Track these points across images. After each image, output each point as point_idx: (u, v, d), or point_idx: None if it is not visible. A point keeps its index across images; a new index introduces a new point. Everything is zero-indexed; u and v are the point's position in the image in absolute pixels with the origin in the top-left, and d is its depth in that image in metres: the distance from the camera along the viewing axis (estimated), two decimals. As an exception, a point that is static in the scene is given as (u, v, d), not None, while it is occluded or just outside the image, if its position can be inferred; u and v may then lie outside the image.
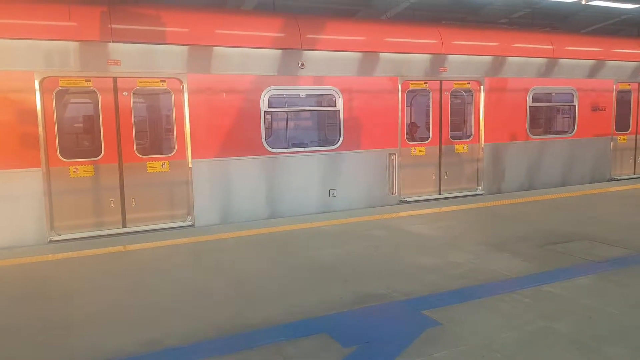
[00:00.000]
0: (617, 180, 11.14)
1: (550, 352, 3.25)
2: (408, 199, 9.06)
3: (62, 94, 7.20)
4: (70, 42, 6.71)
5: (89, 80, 6.88)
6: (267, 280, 4.72)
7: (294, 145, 9.45)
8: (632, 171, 11.78)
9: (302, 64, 8.08)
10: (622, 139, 11.48)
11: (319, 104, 9.54)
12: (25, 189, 6.59)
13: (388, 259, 5.32)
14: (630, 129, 11.58)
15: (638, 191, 9.35)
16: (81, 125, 8.51)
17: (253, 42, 7.76)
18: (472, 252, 5.49)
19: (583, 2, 11.89)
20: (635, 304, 4.03)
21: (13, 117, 6.50)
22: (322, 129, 10.11)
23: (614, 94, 11.07)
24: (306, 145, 9.38)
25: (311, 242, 6.01)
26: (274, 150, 8.00)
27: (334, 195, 8.50)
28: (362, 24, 9.31)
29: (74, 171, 6.89)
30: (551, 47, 10.44)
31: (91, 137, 7.97)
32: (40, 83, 6.58)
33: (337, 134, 8.54)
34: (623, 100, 11.40)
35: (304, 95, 8.65)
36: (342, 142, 8.47)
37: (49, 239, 6.71)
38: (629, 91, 11.44)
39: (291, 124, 10.56)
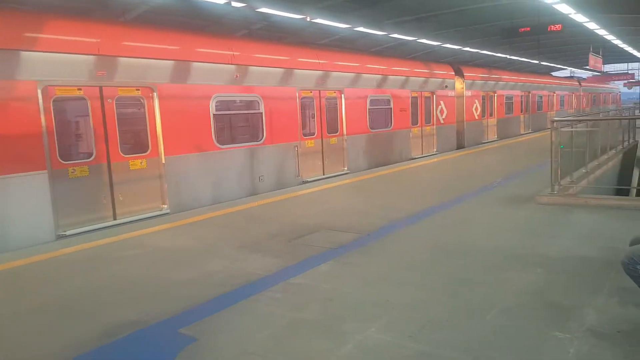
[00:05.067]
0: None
1: (299, 342, 3.51)
2: (308, 180, 11.47)
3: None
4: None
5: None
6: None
7: (233, 142, 10.57)
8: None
9: (237, 77, 9.93)
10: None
11: (249, 108, 10.80)
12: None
13: (142, 278, 5.00)
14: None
15: (349, 186, 10.97)
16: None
17: (205, 58, 9.48)
18: (228, 257, 5.58)
19: (308, 19, 13.36)
20: (366, 281, 4.66)
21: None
22: (254, 128, 11.15)
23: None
24: (241, 142, 10.74)
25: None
26: (221, 146, 9.70)
27: (263, 180, 10.49)
28: (284, 47, 12.17)
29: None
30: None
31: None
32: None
33: (261, 131, 10.59)
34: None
35: (239, 101, 10.54)
36: (265, 138, 10.59)
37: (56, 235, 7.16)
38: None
39: (231, 124, 11.37)
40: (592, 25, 18.16)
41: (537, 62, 28.50)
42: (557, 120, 8.23)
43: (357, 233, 6.34)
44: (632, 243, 3.55)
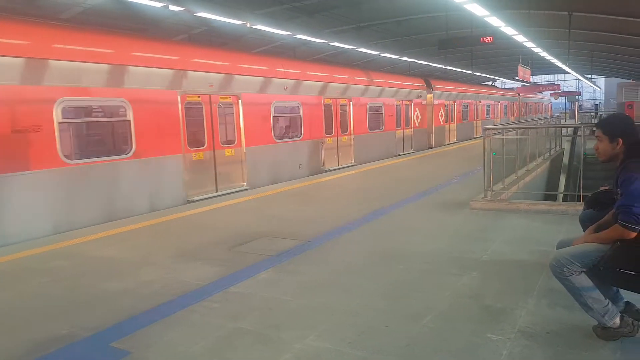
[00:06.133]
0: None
1: (237, 353, 3.40)
2: (329, 169, 14.42)
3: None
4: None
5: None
6: None
7: (284, 137, 13.56)
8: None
9: (286, 88, 12.86)
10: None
11: (292, 111, 13.72)
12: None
13: (71, 290, 4.70)
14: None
15: (303, 189, 10.96)
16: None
17: (270, 74, 12.48)
18: (166, 266, 5.37)
19: (248, 25, 13.23)
20: (304, 288, 4.61)
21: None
22: (295, 127, 13.98)
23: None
24: (288, 137, 13.73)
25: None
26: (277, 140, 12.68)
27: (302, 167, 13.50)
28: (316, 65, 15.54)
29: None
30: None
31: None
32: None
33: (300, 130, 13.63)
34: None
35: (287, 106, 13.45)
36: (303, 135, 13.63)
37: (186, 200, 9.85)
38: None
39: (282, 124, 13.99)
40: (520, 38, 19.12)
41: (471, 72, 29.83)
42: (489, 128, 8.56)
43: (297, 240, 6.30)
44: (559, 246, 3.71)
